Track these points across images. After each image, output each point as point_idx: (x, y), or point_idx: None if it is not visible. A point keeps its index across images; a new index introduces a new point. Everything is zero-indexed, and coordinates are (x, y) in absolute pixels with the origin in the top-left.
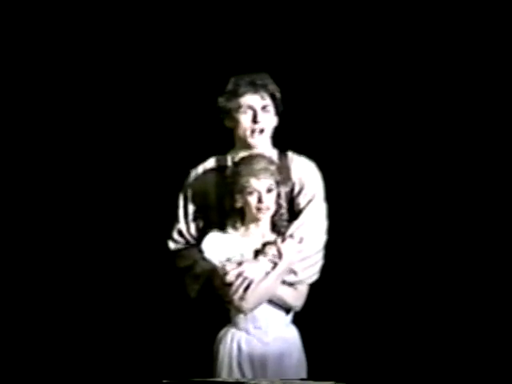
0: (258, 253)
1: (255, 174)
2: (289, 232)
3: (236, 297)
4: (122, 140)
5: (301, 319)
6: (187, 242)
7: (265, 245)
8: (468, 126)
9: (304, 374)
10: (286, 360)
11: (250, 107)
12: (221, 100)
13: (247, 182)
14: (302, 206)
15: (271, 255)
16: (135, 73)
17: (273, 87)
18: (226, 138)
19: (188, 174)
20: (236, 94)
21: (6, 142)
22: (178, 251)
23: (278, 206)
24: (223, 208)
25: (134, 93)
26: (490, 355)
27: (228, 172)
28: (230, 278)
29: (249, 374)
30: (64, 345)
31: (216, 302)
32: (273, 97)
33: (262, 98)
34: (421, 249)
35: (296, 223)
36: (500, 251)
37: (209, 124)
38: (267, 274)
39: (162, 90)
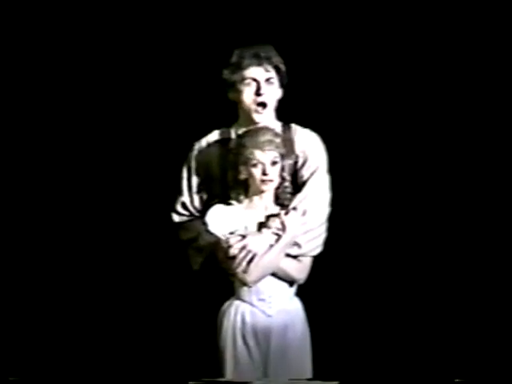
0: (261, 225)
1: (260, 146)
2: (292, 205)
3: (239, 270)
4: (126, 113)
5: (304, 291)
6: (191, 214)
7: (268, 217)
8: (476, 121)
9: (308, 347)
10: (289, 332)
11: (254, 79)
12: (225, 72)
13: (252, 153)
14: (305, 178)
15: (275, 228)
16: (139, 46)
17: (277, 59)
18: (230, 111)
19: (191, 146)
20: (240, 67)
21: (6, 142)
22: (181, 223)
23: (282, 178)
24: (226, 180)
25: (138, 67)
26: (492, 354)
27: (232, 144)
28: (233, 251)
29: (252, 345)
30: (66, 321)
31: (220, 274)
32: (277, 69)
33: (266, 70)
34: (421, 221)
35: (299, 196)
36: (500, 250)
37: (213, 97)
38: (271, 246)
39: (167, 62)
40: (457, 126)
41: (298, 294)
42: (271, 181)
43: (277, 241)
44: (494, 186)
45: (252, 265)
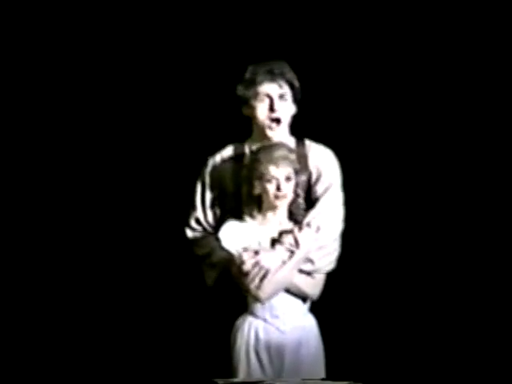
0: (274, 241)
1: (275, 162)
2: (306, 220)
3: (252, 286)
4: (140, 128)
5: (318, 308)
6: (204, 229)
7: (281, 233)
8: (485, 121)
9: (321, 363)
10: (303, 349)
11: (268, 95)
12: (239, 88)
13: (266, 169)
14: (318, 194)
15: (288, 244)
16: (154, 61)
17: (291, 75)
18: (245, 126)
19: (205, 162)
20: (254, 83)
21: (7, 142)
22: (195, 239)
23: (296, 194)
24: (240, 196)
25: (153, 80)
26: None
27: (247, 159)
28: (246, 267)
29: (266, 362)
30: (78, 330)
31: (233, 290)
32: (291, 85)
33: (280, 86)
34: (441, 237)
35: (313, 212)
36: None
37: (227, 112)
38: (284, 262)
39: (181, 77)
40: (474, 140)
41: (312, 310)
42: (285, 197)
43: (290, 257)
44: (498, 188)
45: (265, 281)
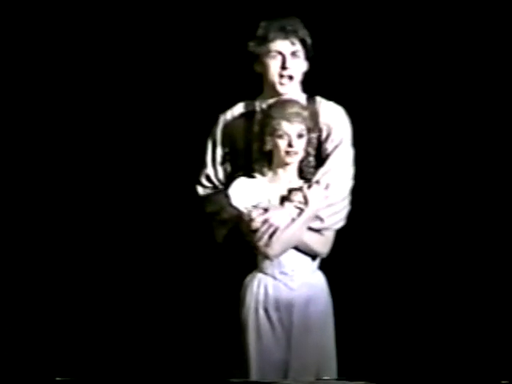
0: (284, 199)
1: (287, 118)
2: (315, 178)
3: (261, 243)
4: (153, 86)
5: (328, 265)
6: (215, 186)
7: (291, 191)
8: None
9: (330, 320)
10: (312, 306)
11: (280, 53)
12: (251, 45)
13: (279, 124)
14: (328, 151)
15: (297, 201)
16: (165, 18)
17: (303, 32)
18: (256, 83)
19: (217, 119)
20: (266, 39)
21: (7, 142)
22: (206, 196)
23: (307, 153)
24: (251, 153)
25: (164, 37)
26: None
27: (259, 115)
28: (255, 224)
29: (275, 318)
30: (82, 311)
31: (243, 247)
32: (303, 42)
33: (292, 43)
34: (449, 197)
35: (322, 169)
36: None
37: (239, 69)
38: (293, 220)
39: (192, 35)
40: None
41: (321, 267)
42: (296, 153)
43: (299, 214)
44: (498, 187)
45: (274, 238)
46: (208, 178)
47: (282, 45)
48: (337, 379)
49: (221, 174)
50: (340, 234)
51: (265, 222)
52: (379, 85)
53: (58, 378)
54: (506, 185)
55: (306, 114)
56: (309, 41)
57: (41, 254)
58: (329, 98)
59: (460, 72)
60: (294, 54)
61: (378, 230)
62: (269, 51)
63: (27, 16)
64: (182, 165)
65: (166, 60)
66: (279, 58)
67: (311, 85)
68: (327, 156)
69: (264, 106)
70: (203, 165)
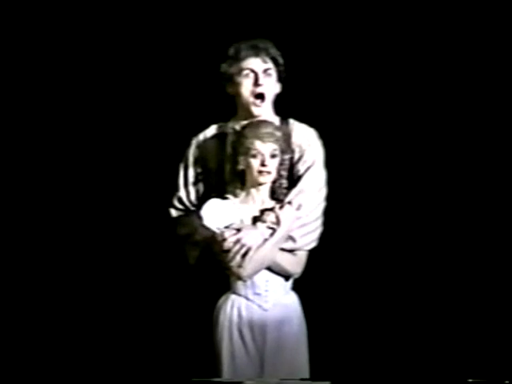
0: (256, 219)
1: (261, 137)
2: (287, 199)
3: (234, 264)
4: (125, 109)
5: (301, 286)
6: (187, 208)
7: (263, 211)
8: (474, 118)
9: (304, 341)
10: (285, 326)
11: (252, 70)
12: (223, 66)
13: (252, 143)
14: (301, 172)
15: (269, 222)
16: (137, 41)
17: (275, 51)
18: (228, 105)
19: (189, 142)
20: (237, 58)
21: (6, 142)
22: (178, 218)
23: (279, 174)
24: (223, 174)
25: (137, 61)
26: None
27: (231, 136)
28: (227, 244)
29: (249, 339)
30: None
31: (216, 268)
32: (275, 61)
33: (264, 61)
34: (417, 217)
35: (295, 190)
36: (498, 248)
37: (211, 92)
38: (265, 240)
39: (165, 58)
40: (451, 121)
41: (295, 288)
42: (269, 173)
43: (271, 235)
44: (492, 185)
45: (246, 259)
46: (180, 201)
47: (253, 62)
48: (303, 379)
49: (193, 196)
50: (313, 254)
51: (237, 242)
52: (351, 107)
53: None
54: (488, 191)
55: (279, 134)
56: (280, 60)
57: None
58: (301, 120)
59: (433, 97)
60: (266, 71)
61: (352, 251)
62: (241, 70)
63: (27, 16)
64: (154, 188)
65: (138, 83)
66: (252, 75)
67: (284, 107)
68: (299, 177)
69: (237, 127)
70: (176, 188)
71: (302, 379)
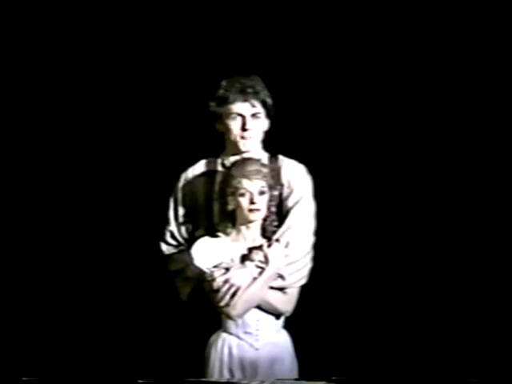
0: (245, 258)
1: (247, 176)
2: (275, 236)
3: (223, 303)
4: (114, 144)
5: (293, 323)
6: (179, 243)
7: (251, 250)
8: (462, 127)
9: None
10: (277, 365)
11: (240, 114)
12: (212, 105)
13: (239, 182)
14: (288, 208)
15: (258, 261)
16: (127, 77)
17: (264, 93)
18: (218, 140)
19: (179, 177)
20: (226, 101)
21: (6, 143)
22: (170, 255)
23: (269, 210)
24: (211, 211)
25: (125, 97)
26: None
27: (219, 176)
28: (216, 284)
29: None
30: (57, 351)
31: (207, 305)
32: (263, 103)
33: (252, 105)
34: (412, 247)
35: (283, 227)
36: (498, 249)
37: (201, 127)
38: (254, 279)
39: (153, 94)
40: (445, 137)
41: (286, 326)
42: (259, 210)
43: (260, 273)
44: (491, 187)
45: (236, 298)
46: (172, 235)
47: (242, 107)
48: (297, 379)
49: (184, 232)
50: (305, 291)
51: (226, 281)
52: (341, 142)
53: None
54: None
55: (266, 170)
56: (269, 101)
57: None
58: (291, 155)
59: (422, 118)
60: (254, 115)
61: (345, 287)
62: (229, 113)
63: (27, 16)
64: (145, 223)
65: (130, 120)
66: (239, 119)
67: (272, 142)
68: (287, 213)
69: (226, 162)
70: (166, 222)
71: (296, 379)
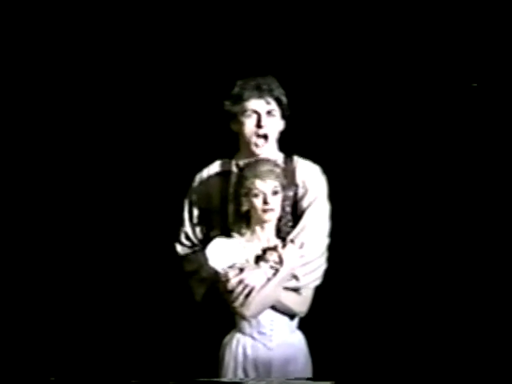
0: (259, 259)
1: (260, 176)
2: (290, 237)
3: (237, 304)
4: (129, 144)
5: (308, 324)
6: (194, 244)
7: (266, 250)
8: (467, 128)
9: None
10: (291, 366)
11: (255, 111)
12: (227, 103)
13: (252, 183)
14: (303, 208)
15: (272, 261)
16: (141, 76)
17: (279, 91)
18: (233, 141)
19: (194, 178)
20: (241, 98)
21: (6, 143)
22: (184, 255)
23: (284, 210)
24: (226, 212)
25: (140, 96)
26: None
27: (233, 177)
28: (231, 284)
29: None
30: (67, 354)
31: (222, 306)
32: (278, 101)
33: (267, 102)
34: (426, 248)
35: (297, 228)
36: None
37: (216, 127)
38: (268, 280)
39: (169, 93)
40: (456, 139)
41: (301, 327)
42: (273, 210)
43: (274, 274)
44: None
45: (250, 299)
46: (187, 236)
47: (256, 104)
48: (308, 379)
49: (198, 233)
50: (320, 292)
51: (240, 282)
52: (357, 143)
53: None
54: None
55: (278, 171)
56: (284, 100)
57: None
58: (306, 156)
59: (440, 120)
60: (269, 112)
61: (358, 287)
62: (244, 110)
63: (27, 16)
64: (160, 223)
65: (145, 119)
66: (254, 116)
67: (288, 143)
68: (302, 213)
69: (241, 163)
70: (181, 223)
71: (307, 378)
